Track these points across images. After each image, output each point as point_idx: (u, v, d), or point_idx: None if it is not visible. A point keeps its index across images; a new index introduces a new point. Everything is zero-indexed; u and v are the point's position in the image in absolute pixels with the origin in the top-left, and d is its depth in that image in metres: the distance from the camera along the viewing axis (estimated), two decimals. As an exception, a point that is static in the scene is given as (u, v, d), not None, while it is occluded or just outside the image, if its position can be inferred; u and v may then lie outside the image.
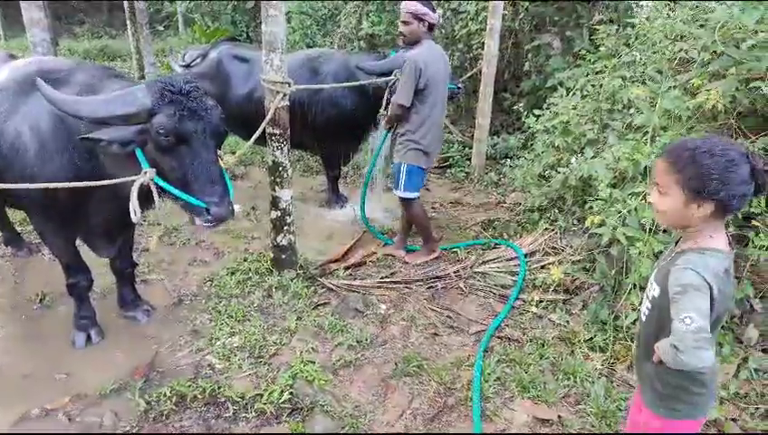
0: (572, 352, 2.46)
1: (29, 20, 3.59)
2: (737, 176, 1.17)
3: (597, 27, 3.67)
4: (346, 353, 2.46)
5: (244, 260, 3.24)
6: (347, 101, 3.77)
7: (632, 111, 2.84)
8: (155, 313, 2.76)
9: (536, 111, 3.77)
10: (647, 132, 2.53)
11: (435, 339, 2.63)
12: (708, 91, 2.25)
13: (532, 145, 4.02)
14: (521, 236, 3.45)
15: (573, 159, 3.07)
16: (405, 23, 3.01)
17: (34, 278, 3.08)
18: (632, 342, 2.40)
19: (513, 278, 3.04)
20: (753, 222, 2.17)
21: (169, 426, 2.05)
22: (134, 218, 1.91)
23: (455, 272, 3.15)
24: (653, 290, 1.36)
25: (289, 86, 2.74)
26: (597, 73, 3.40)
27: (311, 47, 6.61)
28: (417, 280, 3.11)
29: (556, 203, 3.50)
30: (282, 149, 2.86)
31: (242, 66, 3.92)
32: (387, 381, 2.33)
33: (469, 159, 4.91)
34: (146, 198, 1.97)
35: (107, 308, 2.74)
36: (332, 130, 3.85)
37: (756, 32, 2.29)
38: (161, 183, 1.92)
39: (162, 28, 11.84)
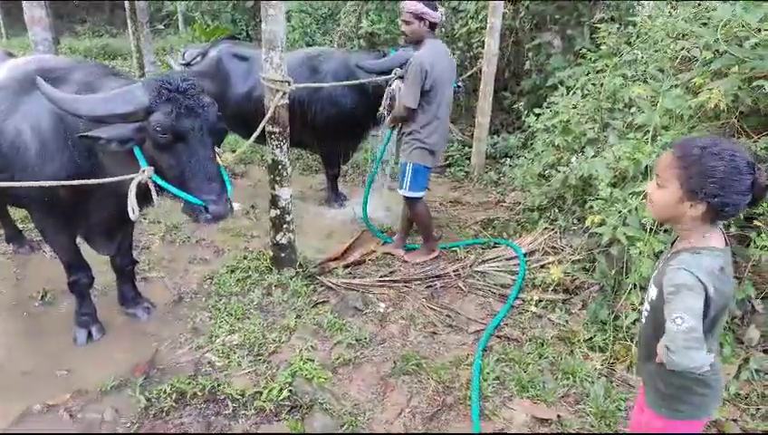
0: (572, 351, 2.46)
1: (30, 19, 3.60)
2: (738, 185, 1.17)
3: (598, 26, 3.65)
4: (345, 352, 2.46)
5: (244, 258, 3.25)
6: (346, 100, 3.77)
7: (633, 109, 2.83)
8: (155, 310, 2.77)
9: (536, 110, 3.76)
10: (648, 131, 2.52)
11: (434, 338, 2.63)
12: (710, 90, 2.24)
13: (532, 144, 4.01)
14: (520, 236, 3.45)
15: (574, 159, 3.07)
16: (406, 22, 3.00)
17: (36, 275, 3.09)
18: (632, 342, 2.39)
19: (513, 277, 3.03)
20: (755, 222, 2.16)
21: (169, 423, 2.06)
22: (132, 216, 1.91)
23: (454, 271, 3.15)
24: (651, 292, 1.36)
25: (289, 85, 2.74)
26: (598, 72, 3.38)
27: (310, 46, 6.61)
28: (417, 279, 3.11)
29: (556, 202, 3.49)
30: (281, 147, 2.86)
31: (241, 65, 3.92)
32: (386, 379, 2.33)
33: (469, 158, 4.91)
34: (144, 196, 1.98)
35: (108, 305, 2.75)
36: (332, 128, 3.84)
37: (759, 30, 2.28)
38: (159, 181, 1.93)
39: (162, 27, 11.84)
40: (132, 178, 1.90)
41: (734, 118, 2.36)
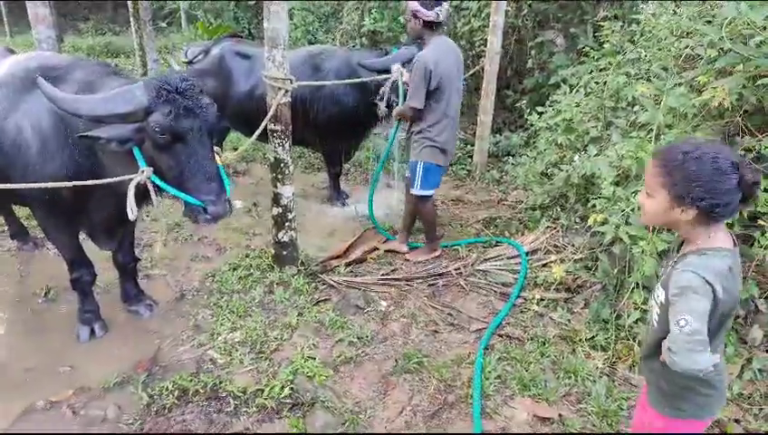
0: (574, 350, 2.46)
1: (34, 17, 3.60)
2: (723, 186, 1.17)
3: (601, 24, 3.63)
4: (347, 350, 2.47)
5: (246, 256, 3.25)
6: (348, 98, 3.76)
7: (636, 108, 2.82)
8: (157, 307, 2.78)
9: (539, 109, 3.75)
10: (651, 130, 2.50)
11: (435, 336, 2.62)
12: (714, 88, 2.22)
13: (534, 143, 4.00)
14: (522, 235, 3.44)
15: (576, 157, 3.05)
16: (407, 20, 3.03)
17: (39, 272, 3.11)
18: (634, 341, 2.38)
19: (515, 276, 3.03)
20: (759, 221, 2.14)
21: (171, 420, 2.07)
22: (131, 216, 1.92)
23: (456, 269, 3.15)
24: (660, 295, 1.36)
25: (291, 83, 2.74)
26: (601, 70, 3.37)
27: (313, 44, 6.60)
28: (418, 277, 3.11)
29: (558, 201, 3.48)
30: (283, 145, 2.86)
31: (244, 63, 3.92)
32: (387, 377, 2.33)
33: (471, 157, 4.90)
34: (144, 196, 1.98)
35: (110, 303, 2.76)
36: (334, 127, 3.84)
37: (765, 28, 2.26)
38: (158, 182, 1.93)
39: (165, 25, 11.84)
40: (131, 179, 1.91)
41: (739, 116, 2.34)
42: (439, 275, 3.13)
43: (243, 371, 2.32)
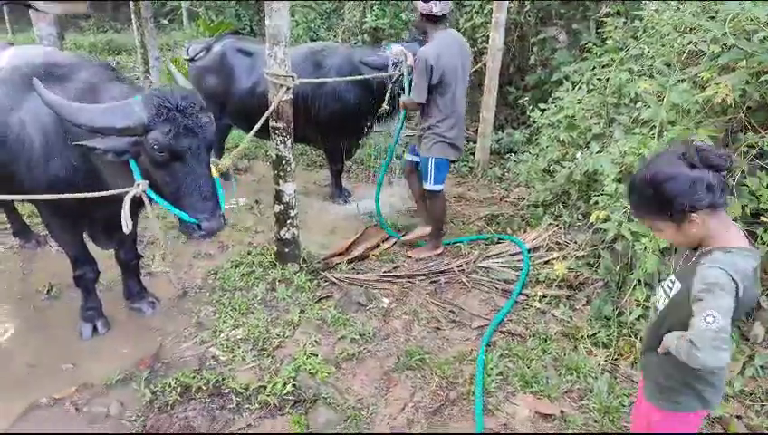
0: (575, 347, 2.46)
1: (35, 14, 3.60)
2: (684, 181, 1.20)
3: (604, 20, 3.62)
4: (349, 347, 2.47)
5: (248, 253, 3.26)
6: (350, 95, 3.75)
7: (639, 105, 2.81)
8: (160, 305, 2.79)
9: (541, 106, 3.74)
10: (654, 127, 2.49)
11: (437, 333, 2.63)
12: (717, 84, 2.21)
13: (536, 139, 3.99)
14: (524, 232, 3.44)
15: (579, 154, 3.05)
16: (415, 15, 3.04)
17: (42, 270, 3.12)
18: (636, 338, 2.38)
19: (517, 273, 3.03)
20: (762, 218, 2.14)
21: (174, 416, 2.08)
22: (125, 229, 1.92)
23: (458, 266, 3.15)
24: (673, 288, 1.36)
25: (293, 80, 2.73)
26: (603, 67, 3.36)
27: (314, 41, 6.59)
28: (420, 274, 3.11)
29: (561, 198, 3.48)
30: (285, 142, 2.86)
31: (245, 60, 3.91)
32: (389, 374, 2.33)
33: (473, 154, 4.89)
34: (140, 204, 1.98)
35: (113, 300, 2.77)
36: (336, 124, 3.84)
37: None
38: (153, 196, 1.93)
39: (167, 22, 11.84)
40: (127, 192, 1.90)
41: (742, 113, 2.33)
42: (441, 272, 3.13)
43: (245, 368, 2.33)
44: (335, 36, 6.74)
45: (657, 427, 1.44)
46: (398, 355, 2.44)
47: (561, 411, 2.12)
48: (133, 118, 1.82)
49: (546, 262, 3.05)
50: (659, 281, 1.54)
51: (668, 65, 2.74)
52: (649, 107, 2.57)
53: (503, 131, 5.21)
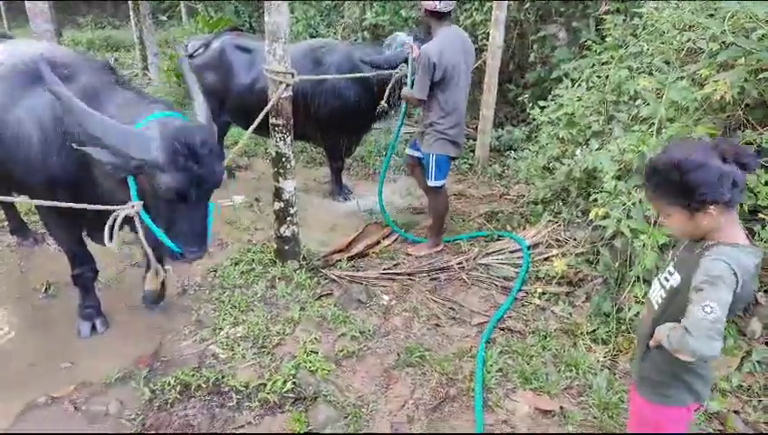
0: (575, 344, 2.47)
1: (33, 10, 3.58)
2: (714, 172, 1.18)
3: (604, 17, 3.61)
4: (349, 344, 2.47)
5: (248, 251, 3.26)
6: (350, 93, 3.75)
7: (638, 102, 2.81)
8: (159, 302, 2.78)
9: (541, 103, 3.74)
10: (653, 124, 2.50)
11: (437, 330, 2.63)
12: (716, 81, 2.21)
13: (536, 137, 3.99)
14: (524, 229, 3.44)
15: (578, 151, 3.05)
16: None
17: (40, 268, 3.11)
18: (635, 334, 2.39)
19: (516, 270, 3.03)
20: (760, 215, 2.15)
21: (174, 415, 2.08)
22: (108, 245, 1.91)
23: (458, 263, 3.15)
24: (672, 280, 1.36)
25: (292, 77, 2.73)
26: (603, 64, 3.35)
27: (314, 37, 6.57)
28: (420, 271, 3.11)
29: (560, 195, 3.48)
30: (285, 140, 2.85)
31: (244, 56, 3.90)
32: (389, 371, 2.34)
33: (473, 151, 4.89)
34: (129, 220, 1.97)
35: (111, 298, 2.76)
36: (336, 121, 3.83)
37: (767, 21, 2.25)
38: (146, 219, 1.92)
39: (165, 18, 11.78)
40: (119, 210, 1.90)
41: (740, 110, 2.34)
42: (441, 269, 3.13)
43: (245, 365, 2.33)
44: (335, 33, 6.72)
45: (650, 421, 1.46)
46: (398, 352, 2.45)
47: (561, 407, 2.12)
48: (148, 154, 1.78)
49: (546, 259, 3.06)
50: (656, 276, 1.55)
51: (668, 63, 2.74)
52: (648, 104, 2.57)
53: (502, 129, 5.21)
